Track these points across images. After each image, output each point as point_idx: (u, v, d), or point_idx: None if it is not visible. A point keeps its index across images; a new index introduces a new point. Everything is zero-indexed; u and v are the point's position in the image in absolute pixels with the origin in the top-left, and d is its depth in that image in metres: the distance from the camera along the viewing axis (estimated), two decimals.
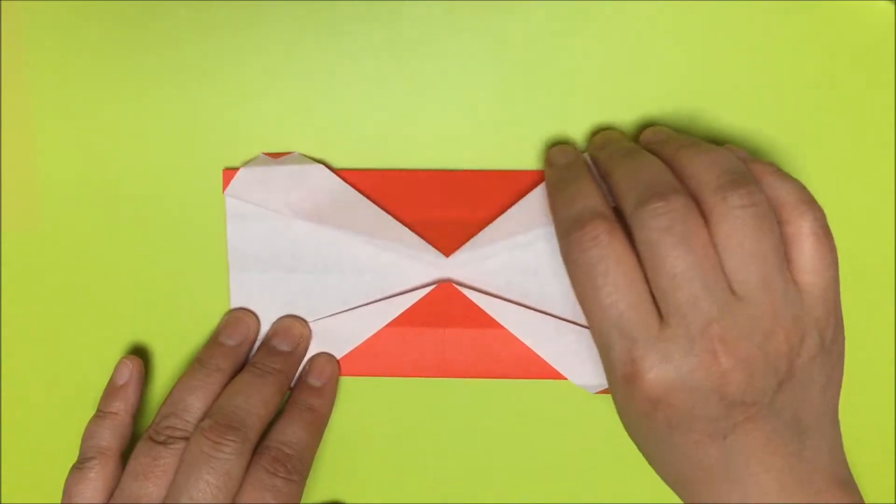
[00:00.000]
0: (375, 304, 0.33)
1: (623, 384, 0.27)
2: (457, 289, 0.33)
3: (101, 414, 0.33)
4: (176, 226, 0.34)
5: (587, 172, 0.30)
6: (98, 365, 0.34)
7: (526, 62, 0.33)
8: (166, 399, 0.32)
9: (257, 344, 0.34)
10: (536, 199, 0.33)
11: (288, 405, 0.33)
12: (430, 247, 0.33)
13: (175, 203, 0.34)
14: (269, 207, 0.33)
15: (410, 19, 0.33)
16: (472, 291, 0.33)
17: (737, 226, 0.26)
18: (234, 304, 0.34)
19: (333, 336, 0.34)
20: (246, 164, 0.33)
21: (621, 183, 0.28)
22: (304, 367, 0.34)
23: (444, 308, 0.33)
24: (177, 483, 0.30)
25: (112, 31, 0.33)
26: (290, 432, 0.32)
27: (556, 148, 0.32)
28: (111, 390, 0.33)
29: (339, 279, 0.33)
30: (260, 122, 0.33)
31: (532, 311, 0.33)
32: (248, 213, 0.33)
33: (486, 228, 0.33)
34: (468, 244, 0.33)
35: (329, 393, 0.33)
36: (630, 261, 0.27)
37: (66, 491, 0.31)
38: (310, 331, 0.34)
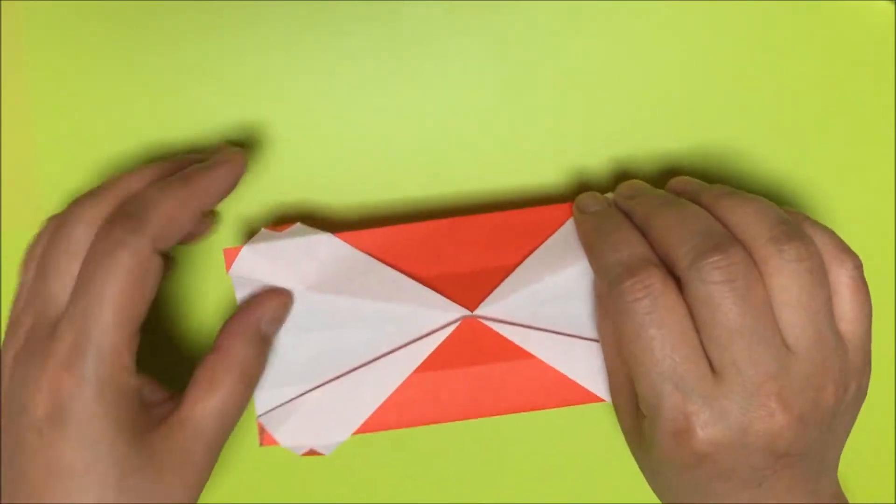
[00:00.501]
0: (398, 351, 0.32)
1: (670, 437, 0.27)
2: (482, 322, 0.32)
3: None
4: None
5: (626, 220, 0.29)
6: None
7: (526, 62, 0.33)
8: (135, 195, 0.28)
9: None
10: (554, 247, 0.32)
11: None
12: (450, 302, 0.32)
13: None
14: (277, 283, 0.31)
15: (410, 19, 0.33)
16: (497, 323, 0.32)
17: (793, 279, 0.26)
18: None
19: (358, 393, 0.32)
20: (248, 241, 0.31)
21: (669, 234, 0.27)
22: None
23: (471, 345, 0.32)
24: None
25: (112, 31, 0.33)
26: (148, 191, 0.28)
27: (586, 195, 0.31)
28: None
29: (359, 334, 0.32)
30: (260, 122, 0.33)
31: (561, 335, 0.32)
32: (256, 287, 0.31)
33: (506, 281, 0.32)
34: (490, 297, 0.32)
35: (214, 171, 0.29)
36: (683, 311, 0.26)
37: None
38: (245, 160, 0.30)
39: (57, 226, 0.28)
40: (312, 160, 0.33)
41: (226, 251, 0.31)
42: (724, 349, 0.26)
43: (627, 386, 0.30)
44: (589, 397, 0.32)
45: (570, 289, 0.32)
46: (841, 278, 0.27)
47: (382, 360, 0.32)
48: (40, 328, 0.27)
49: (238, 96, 0.33)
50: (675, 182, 0.31)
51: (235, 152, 0.30)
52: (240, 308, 0.30)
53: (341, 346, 0.32)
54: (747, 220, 0.27)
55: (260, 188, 0.33)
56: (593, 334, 0.32)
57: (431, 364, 0.32)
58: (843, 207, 0.34)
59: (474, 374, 0.32)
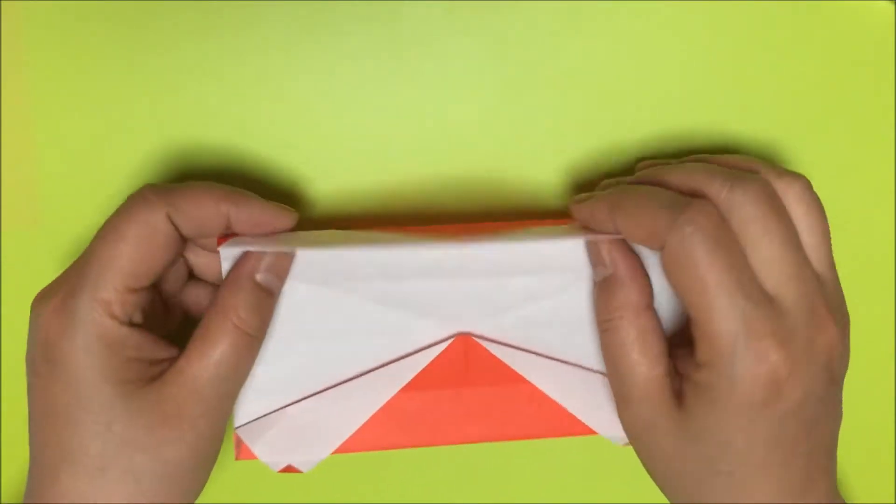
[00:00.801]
0: (387, 367, 0.31)
1: (752, 363, 0.26)
2: (475, 341, 0.31)
3: None
4: None
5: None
6: None
7: (526, 62, 0.33)
8: None
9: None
10: (548, 248, 0.30)
11: None
12: (446, 315, 0.31)
13: None
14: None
15: (410, 19, 0.33)
16: (491, 344, 0.31)
17: (812, 209, 0.28)
18: None
19: (341, 409, 0.31)
20: (239, 240, 0.29)
21: (694, 177, 0.28)
22: None
23: (463, 365, 0.31)
24: None
25: (112, 31, 0.33)
26: None
27: (578, 195, 0.31)
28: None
29: (347, 345, 0.31)
30: (260, 122, 0.33)
31: (557, 361, 0.31)
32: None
33: (503, 295, 0.31)
34: (483, 297, 0.31)
35: (266, 204, 0.30)
36: (735, 237, 0.27)
37: None
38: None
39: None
40: (312, 160, 0.33)
41: (218, 238, 0.29)
42: (780, 265, 0.26)
43: (657, 352, 0.28)
44: (580, 429, 0.32)
45: (564, 313, 0.31)
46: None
47: (370, 375, 0.31)
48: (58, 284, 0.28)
49: (238, 96, 0.33)
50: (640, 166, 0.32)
51: (291, 211, 0.30)
52: (239, 260, 0.29)
53: (328, 358, 0.31)
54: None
55: (260, 188, 0.33)
56: (588, 362, 0.31)
57: (420, 383, 0.31)
58: (844, 207, 0.34)
59: (465, 397, 0.31)
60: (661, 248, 0.27)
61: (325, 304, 0.30)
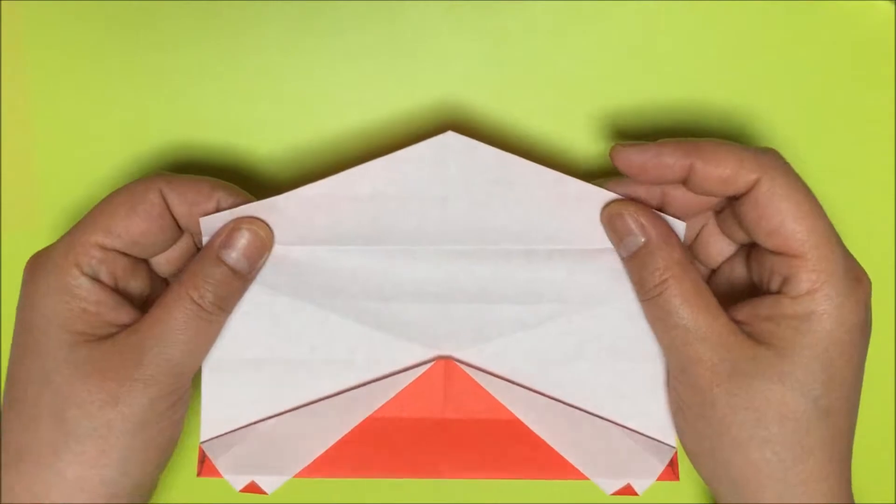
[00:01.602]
0: (362, 388, 0.30)
1: (853, 283, 0.28)
2: (457, 366, 0.30)
3: None
4: None
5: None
6: None
7: (526, 62, 0.33)
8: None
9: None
10: (542, 274, 0.30)
11: None
12: (427, 325, 0.30)
13: None
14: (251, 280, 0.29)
15: (410, 19, 0.33)
16: (475, 371, 0.30)
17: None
18: (205, 392, 0.30)
19: (313, 427, 0.30)
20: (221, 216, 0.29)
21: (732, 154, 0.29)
22: None
23: (443, 391, 0.30)
24: None
25: (112, 31, 0.33)
26: None
27: (618, 145, 0.30)
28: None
29: (324, 363, 0.30)
30: (260, 121, 0.33)
31: (543, 396, 0.30)
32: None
33: (489, 306, 0.30)
34: (469, 323, 0.30)
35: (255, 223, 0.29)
36: None
37: None
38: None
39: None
40: (312, 160, 0.33)
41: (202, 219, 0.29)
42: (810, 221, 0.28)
43: (715, 301, 0.28)
44: (568, 472, 0.30)
45: (553, 346, 0.30)
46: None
47: (345, 394, 0.30)
48: None
49: (238, 96, 0.33)
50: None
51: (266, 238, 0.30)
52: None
53: (304, 375, 0.30)
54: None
55: (259, 188, 0.33)
56: (575, 400, 0.30)
57: (396, 407, 0.30)
58: (844, 207, 0.34)
59: (443, 427, 0.30)
60: (743, 191, 0.28)
61: (305, 318, 0.30)
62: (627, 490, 0.30)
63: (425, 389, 0.30)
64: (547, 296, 0.30)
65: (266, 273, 0.29)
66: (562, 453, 0.30)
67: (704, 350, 0.28)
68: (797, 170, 0.33)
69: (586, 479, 0.30)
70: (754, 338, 0.28)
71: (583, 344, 0.30)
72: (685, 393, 0.29)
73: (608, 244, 0.29)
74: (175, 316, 0.28)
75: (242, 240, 0.29)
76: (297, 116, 0.33)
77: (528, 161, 0.28)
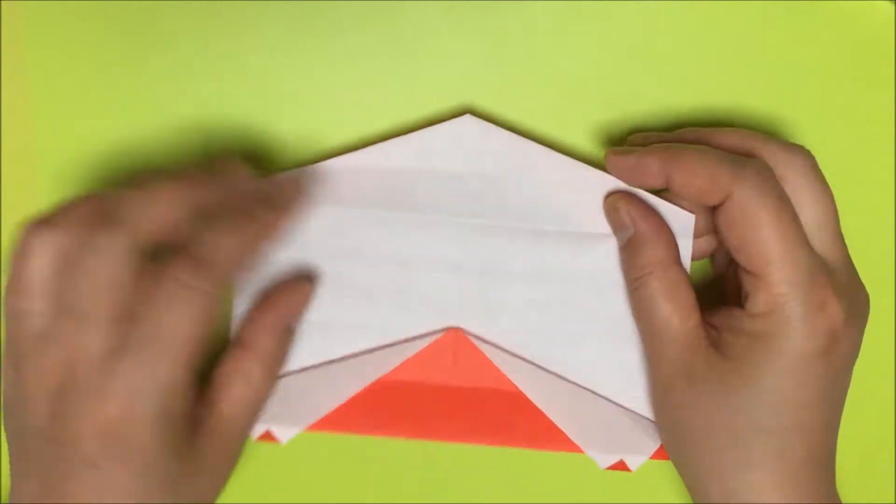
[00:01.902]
0: (375, 352, 0.31)
1: (815, 310, 0.27)
2: (467, 337, 0.31)
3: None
4: None
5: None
6: None
7: (526, 62, 0.33)
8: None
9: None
10: (553, 253, 0.31)
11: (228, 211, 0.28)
12: (441, 296, 0.31)
13: None
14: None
15: (410, 19, 0.33)
16: (483, 343, 0.31)
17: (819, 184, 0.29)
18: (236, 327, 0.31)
19: (327, 384, 0.31)
20: None
21: (747, 140, 0.29)
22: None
23: (452, 360, 0.31)
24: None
25: (112, 31, 0.33)
26: (213, 234, 0.27)
27: (613, 149, 0.31)
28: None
29: (339, 325, 0.31)
30: (260, 122, 0.33)
31: (547, 372, 0.31)
32: None
33: (500, 281, 0.31)
34: (481, 299, 0.31)
35: (279, 207, 0.29)
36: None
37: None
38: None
39: (78, 254, 0.25)
40: (313, 160, 0.33)
41: None
42: (827, 226, 0.28)
43: (690, 306, 0.29)
44: (566, 444, 0.31)
45: (561, 325, 0.31)
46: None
47: (358, 357, 0.31)
48: (87, 363, 0.25)
49: (238, 96, 0.33)
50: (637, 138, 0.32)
51: (295, 178, 0.30)
52: (266, 301, 0.30)
53: (321, 335, 0.31)
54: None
55: None
56: (579, 379, 0.31)
57: (405, 371, 0.31)
58: (843, 207, 0.34)
59: (451, 394, 0.31)
60: (718, 202, 0.28)
61: (324, 280, 0.31)
62: (621, 465, 0.32)
63: (435, 357, 0.31)
64: (554, 275, 0.31)
65: (289, 235, 0.31)
66: (560, 426, 0.31)
67: (671, 349, 0.29)
68: None
69: (582, 451, 0.32)
70: (716, 346, 0.28)
71: (587, 324, 0.31)
72: (651, 385, 0.30)
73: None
74: (256, 392, 0.29)
75: (300, 304, 0.31)
76: (297, 116, 0.33)
77: (542, 146, 0.30)
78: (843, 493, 0.35)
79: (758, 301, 0.27)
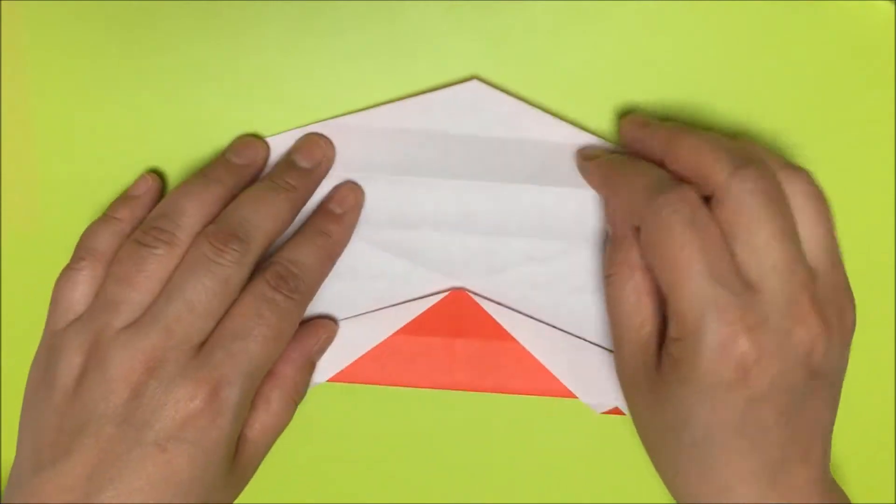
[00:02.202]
0: (385, 310, 0.33)
1: (717, 348, 0.26)
2: (470, 296, 0.33)
3: (105, 217, 0.31)
4: None
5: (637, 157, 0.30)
6: None
7: (526, 62, 0.33)
8: (160, 202, 0.31)
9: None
10: (554, 210, 0.32)
11: (302, 226, 0.32)
12: (445, 255, 0.33)
13: None
14: None
15: (410, 19, 0.33)
16: (485, 301, 0.33)
17: (814, 202, 0.28)
18: None
19: (340, 341, 0.33)
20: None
21: (700, 152, 0.28)
22: (326, 194, 0.32)
23: (456, 317, 0.33)
24: (173, 282, 0.28)
25: (112, 31, 0.33)
26: (300, 252, 0.30)
27: (587, 148, 0.32)
28: (124, 198, 0.32)
29: (351, 285, 0.33)
30: (260, 122, 0.33)
31: (545, 325, 0.33)
32: None
33: (503, 240, 0.33)
34: (484, 254, 0.33)
35: (348, 221, 0.32)
36: (717, 225, 0.27)
37: (55, 292, 0.30)
38: (334, 151, 0.32)
39: (204, 260, 0.29)
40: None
41: None
42: (764, 255, 0.27)
43: (646, 314, 0.29)
44: (561, 391, 0.33)
45: (560, 278, 0.33)
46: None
47: (369, 315, 0.33)
48: (182, 352, 0.28)
49: (238, 96, 0.33)
50: (627, 122, 0.32)
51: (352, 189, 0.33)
52: (294, 335, 0.31)
53: (333, 296, 0.33)
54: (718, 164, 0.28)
55: None
56: (576, 329, 0.33)
57: (414, 328, 0.33)
58: (843, 207, 0.34)
59: (455, 347, 0.33)
60: (639, 226, 0.28)
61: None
62: (615, 411, 0.34)
63: (440, 316, 0.33)
64: (555, 232, 0.32)
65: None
66: (559, 377, 0.33)
67: (627, 349, 0.29)
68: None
69: (577, 398, 0.33)
70: (660, 357, 0.29)
71: (586, 278, 0.33)
72: (616, 373, 0.31)
73: None
74: (279, 419, 0.31)
75: (324, 340, 0.33)
76: (298, 116, 0.33)
77: (546, 113, 0.30)
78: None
79: (672, 326, 0.28)
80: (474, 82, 0.30)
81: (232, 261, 0.29)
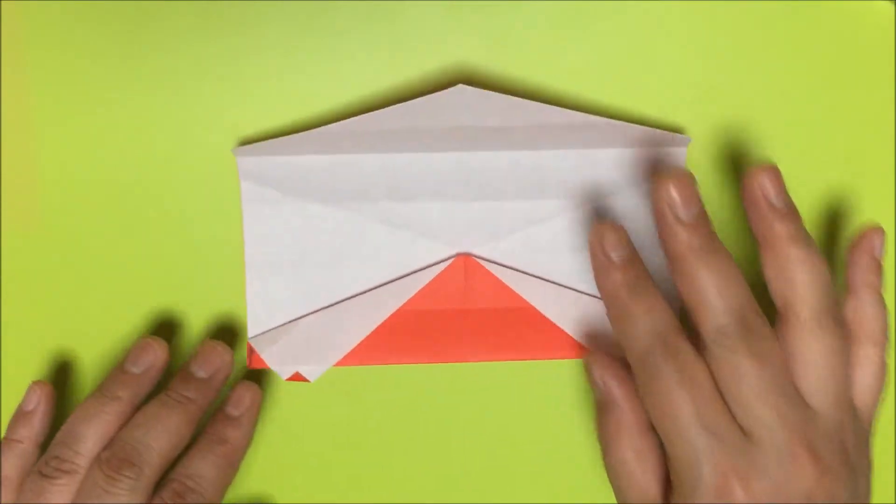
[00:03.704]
0: (390, 284, 0.33)
1: (712, 497, 0.27)
2: (476, 261, 0.33)
3: (7, 442, 0.31)
4: (176, 225, 0.34)
5: (650, 277, 0.30)
6: (99, 365, 0.34)
7: (526, 62, 0.33)
8: (61, 428, 0.31)
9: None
10: (552, 170, 0.32)
11: (200, 436, 0.31)
12: (446, 223, 0.33)
13: (175, 203, 0.34)
14: (284, 190, 0.32)
15: (410, 19, 0.33)
16: (492, 264, 0.33)
17: (814, 347, 0.28)
18: (251, 294, 0.33)
19: (346, 323, 0.33)
20: (259, 144, 0.32)
21: (700, 300, 0.28)
22: (223, 396, 0.33)
23: (464, 284, 0.33)
24: None
25: (112, 31, 0.33)
26: (196, 465, 0.30)
27: (610, 228, 0.30)
28: (18, 416, 0.32)
29: (355, 262, 0.33)
30: (260, 122, 0.33)
31: (556, 285, 0.33)
32: (263, 197, 0.32)
33: (503, 204, 0.33)
34: (485, 220, 0.33)
35: (246, 424, 0.32)
36: (709, 376, 0.28)
37: None
38: (231, 357, 0.32)
39: (98, 491, 0.29)
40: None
41: (238, 154, 0.32)
42: (751, 409, 0.27)
43: (650, 462, 0.30)
44: (577, 352, 0.33)
45: (561, 239, 0.33)
46: (868, 354, 0.30)
47: (373, 291, 0.33)
48: None
49: (238, 96, 0.33)
50: (752, 182, 0.29)
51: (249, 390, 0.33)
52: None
53: (336, 275, 0.33)
54: (797, 287, 0.28)
55: None
56: (582, 287, 0.33)
57: (421, 300, 0.33)
58: (844, 207, 0.34)
59: (464, 316, 0.33)
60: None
61: (333, 222, 0.33)
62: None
63: (447, 284, 0.33)
64: (554, 191, 0.33)
65: (296, 183, 0.32)
66: (569, 332, 0.33)
67: None
68: (797, 169, 0.33)
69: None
70: None
71: (585, 236, 0.33)
72: None
73: (611, 145, 0.32)
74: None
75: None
76: (298, 116, 0.33)
77: (540, 103, 0.30)
78: None
79: (672, 475, 0.28)
80: (461, 87, 0.29)
81: (125, 488, 0.29)
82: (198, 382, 0.31)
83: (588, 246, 0.30)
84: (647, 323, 0.29)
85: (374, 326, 0.33)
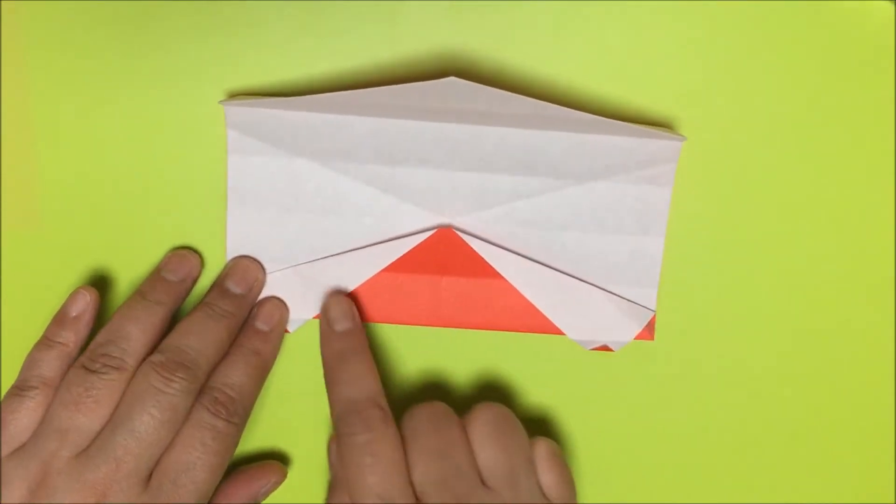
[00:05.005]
0: (372, 247, 0.33)
1: None
2: (457, 234, 0.33)
3: (48, 342, 0.32)
4: (176, 224, 0.34)
5: (367, 350, 0.32)
6: None
7: (526, 62, 0.33)
8: (104, 327, 0.31)
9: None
10: (541, 149, 0.33)
11: (233, 348, 0.32)
12: (433, 207, 0.33)
13: (175, 202, 0.34)
14: (270, 142, 0.32)
15: (410, 19, 0.33)
16: (472, 238, 0.33)
17: (487, 429, 0.31)
18: (231, 242, 0.33)
19: (327, 279, 0.34)
20: (248, 99, 0.32)
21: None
22: (252, 310, 0.33)
23: (443, 255, 0.33)
24: (120, 412, 0.29)
25: (112, 31, 0.33)
26: (235, 375, 0.31)
27: (336, 303, 0.33)
28: (62, 319, 0.32)
29: (338, 221, 0.33)
30: None
31: (532, 262, 0.33)
32: (248, 148, 0.32)
33: (490, 176, 0.33)
34: (471, 191, 0.33)
35: (275, 338, 0.33)
36: (397, 444, 0.30)
37: (3, 417, 0.30)
38: (265, 274, 0.33)
39: (152, 390, 0.30)
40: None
41: (226, 105, 0.32)
42: (425, 472, 0.29)
43: None
44: (549, 328, 0.34)
45: (546, 215, 0.33)
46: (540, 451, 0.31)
47: (356, 252, 0.33)
48: (130, 485, 0.29)
49: (238, 96, 0.33)
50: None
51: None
52: (240, 475, 0.34)
53: (320, 231, 0.33)
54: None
55: None
56: (564, 266, 0.33)
57: (401, 266, 0.33)
58: (843, 207, 0.34)
59: (442, 284, 0.34)
60: None
61: (319, 180, 0.33)
62: (604, 348, 0.34)
63: (428, 253, 0.33)
64: (542, 169, 0.33)
65: (285, 136, 0.32)
66: (546, 315, 0.34)
67: None
68: (797, 169, 0.33)
69: (564, 334, 0.34)
70: None
71: (574, 215, 0.33)
72: None
73: (602, 131, 0.32)
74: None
75: (272, 484, 0.35)
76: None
77: (532, 98, 0.30)
78: (843, 492, 0.35)
79: None
80: (452, 79, 0.29)
81: (180, 389, 0.30)
82: (235, 298, 0.33)
83: (321, 311, 0.33)
84: (348, 391, 0.31)
85: (355, 286, 0.34)
